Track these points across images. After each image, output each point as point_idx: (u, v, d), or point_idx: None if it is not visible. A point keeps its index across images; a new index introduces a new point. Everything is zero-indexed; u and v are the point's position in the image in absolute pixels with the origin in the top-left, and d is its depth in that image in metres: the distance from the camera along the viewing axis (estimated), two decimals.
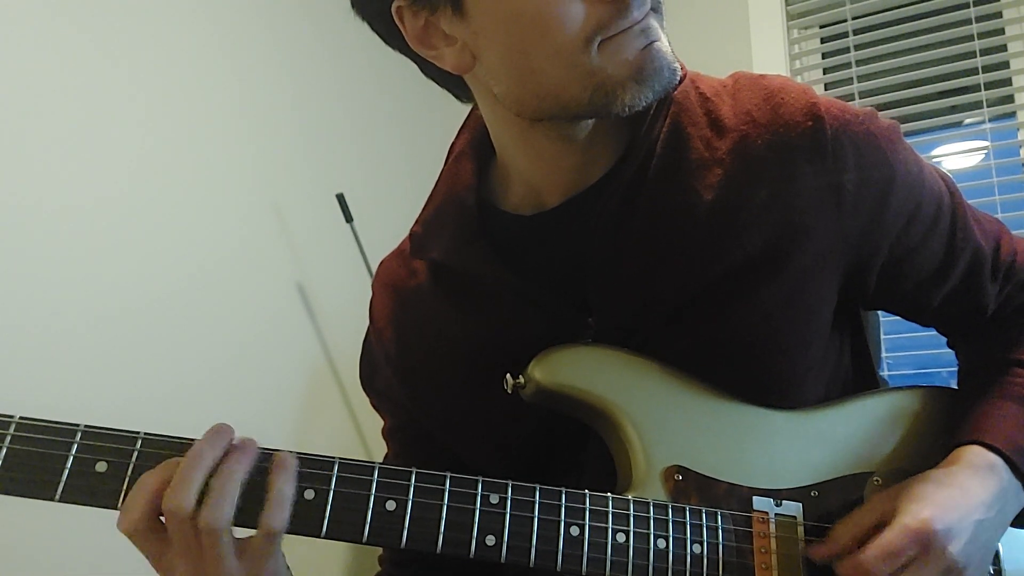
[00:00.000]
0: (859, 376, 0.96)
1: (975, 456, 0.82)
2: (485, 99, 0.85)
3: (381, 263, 1.01)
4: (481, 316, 0.87)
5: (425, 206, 0.95)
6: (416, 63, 0.85)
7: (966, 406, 0.89)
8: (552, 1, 0.72)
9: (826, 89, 2.50)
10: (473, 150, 0.93)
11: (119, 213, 1.54)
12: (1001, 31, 2.34)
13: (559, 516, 0.74)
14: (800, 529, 0.80)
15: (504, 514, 0.73)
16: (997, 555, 0.86)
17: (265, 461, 0.71)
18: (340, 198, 1.99)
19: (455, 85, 0.86)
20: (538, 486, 0.75)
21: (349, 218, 1.99)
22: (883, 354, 1.14)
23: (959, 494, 0.78)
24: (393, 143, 2.33)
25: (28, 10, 1.43)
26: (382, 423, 1.04)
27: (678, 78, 0.78)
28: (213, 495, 0.67)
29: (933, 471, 0.82)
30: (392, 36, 0.82)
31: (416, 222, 0.95)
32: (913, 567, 0.74)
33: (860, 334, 0.97)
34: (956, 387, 0.96)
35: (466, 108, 0.93)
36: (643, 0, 0.74)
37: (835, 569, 0.77)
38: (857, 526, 0.78)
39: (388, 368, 0.96)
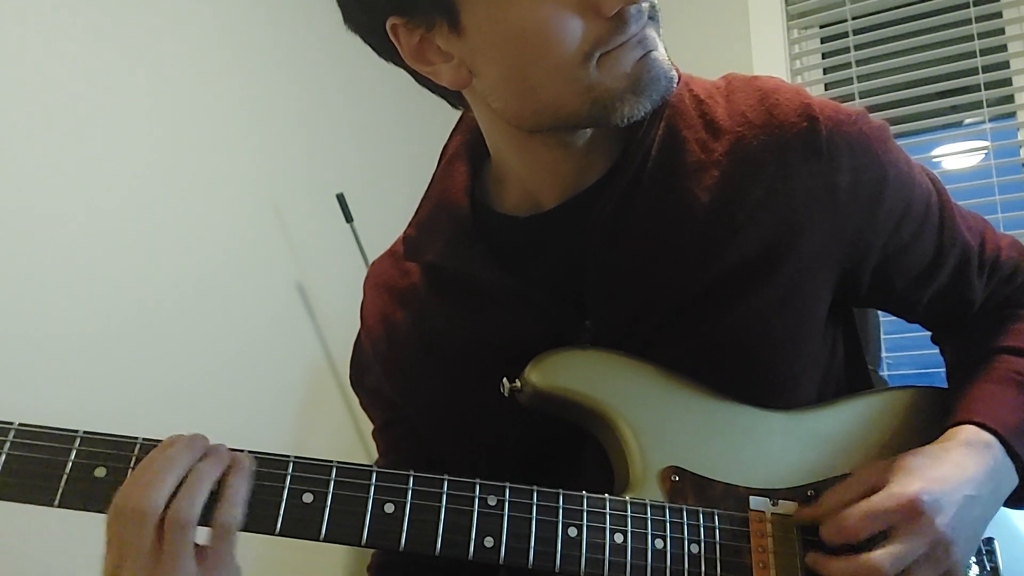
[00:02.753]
0: (852, 375, 0.96)
1: (970, 434, 0.83)
2: (482, 111, 0.85)
3: (372, 264, 1.01)
4: (477, 318, 0.88)
5: (418, 209, 0.95)
6: (410, 75, 0.85)
7: (957, 392, 0.89)
8: (551, 19, 0.72)
9: (826, 89, 2.50)
10: (467, 152, 0.93)
11: (120, 213, 1.54)
12: (1001, 31, 2.34)
13: (557, 517, 0.74)
14: (797, 528, 0.80)
15: (502, 515, 0.73)
16: (994, 553, 0.87)
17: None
18: (340, 198, 1.99)
19: (450, 94, 0.86)
20: (535, 487, 0.75)
21: (349, 218, 2.00)
22: (883, 354, 1.14)
23: (952, 469, 0.78)
24: (393, 143, 2.34)
25: (30, 11, 1.44)
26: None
27: (675, 85, 0.78)
28: (186, 490, 0.67)
29: (927, 447, 0.82)
30: (386, 50, 0.82)
31: (409, 225, 0.95)
32: (899, 536, 0.74)
33: (853, 333, 0.97)
34: (946, 381, 0.96)
35: None
36: (640, 14, 0.74)
37: (820, 528, 0.77)
38: (845, 494, 0.78)
39: (378, 366, 0.96)
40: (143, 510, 0.66)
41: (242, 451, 0.72)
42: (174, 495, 0.67)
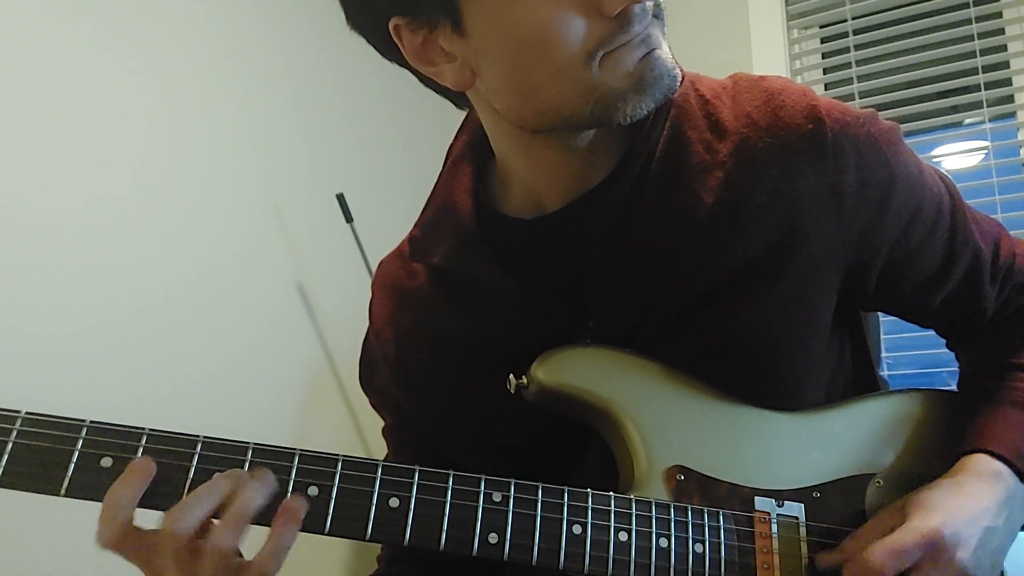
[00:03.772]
0: (859, 377, 0.96)
1: (981, 464, 0.82)
2: (485, 112, 0.85)
3: (380, 263, 1.01)
4: (481, 318, 0.87)
5: (424, 209, 0.95)
6: (414, 75, 0.84)
7: (969, 413, 0.88)
8: (554, 19, 0.72)
9: (826, 89, 2.50)
10: (472, 152, 0.93)
11: (120, 213, 1.54)
12: (1001, 31, 2.34)
13: (561, 514, 0.74)
14: (802, 529, 0.80)
15: (507, 512, 0.73)
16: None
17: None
18: (340, 198, 1.99)
19: (454, 95, 0.85)
20: (541, 484, 0.75)
21: (349, 218, 1.99)
22: (883, 354, 1.14)
23: (967, 501, 0.78)
24: (393, 143, 2.33)
25: (29, 9, 1.44)
26: (382, 422, 1.04)
27: (678, 84, 0.78)
28: (231, 518, 0.67)
29: (940, 480, 0.81)
30: (389, 50, 0.81)
31: (415, 226, 0.95)
32: (923, 573, 0.74)
33: (860, 335, 0.96)
34: (956, 389, 0.96)
35: None
36: (644, 13, 0.74)
37: (843, 571, 0.76)
38: (867, 538, 0.78)
39: (386, 368, 0.96)
40: (174, 534, 0.66)
41: (247, 444, 0.72)
42: (223, 520, 0.67)
